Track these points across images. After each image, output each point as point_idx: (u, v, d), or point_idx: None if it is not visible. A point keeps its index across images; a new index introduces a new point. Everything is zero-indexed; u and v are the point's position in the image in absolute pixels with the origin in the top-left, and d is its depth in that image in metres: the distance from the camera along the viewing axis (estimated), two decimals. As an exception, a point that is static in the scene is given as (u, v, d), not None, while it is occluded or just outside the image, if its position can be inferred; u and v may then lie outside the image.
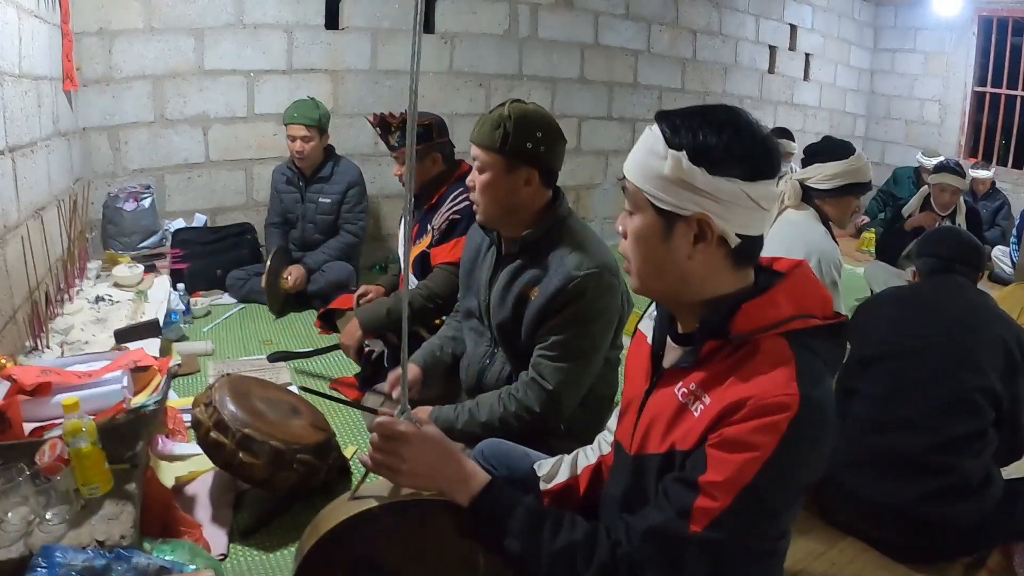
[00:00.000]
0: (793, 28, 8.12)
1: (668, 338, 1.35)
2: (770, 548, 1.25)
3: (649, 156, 1.20)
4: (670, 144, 1.17)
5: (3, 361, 2.16)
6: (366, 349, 3.15)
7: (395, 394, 2.48)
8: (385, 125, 3.37)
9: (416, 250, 3.45)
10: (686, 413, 1.20)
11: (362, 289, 3.81)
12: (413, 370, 2.55)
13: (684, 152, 1.15)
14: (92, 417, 1.74)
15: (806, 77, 8.45)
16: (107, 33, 4.50)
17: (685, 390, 1.22)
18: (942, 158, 6.49)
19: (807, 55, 8.38)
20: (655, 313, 1.44)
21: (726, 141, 1.15)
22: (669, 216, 1.19)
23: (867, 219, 7.23)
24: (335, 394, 2.85)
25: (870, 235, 6.77)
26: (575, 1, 6.33)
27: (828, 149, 2.83)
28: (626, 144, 6.90)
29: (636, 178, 1.22)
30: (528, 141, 2.10)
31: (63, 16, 3.61)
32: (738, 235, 1.18)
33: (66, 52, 3.69)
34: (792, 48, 8.18)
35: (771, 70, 8.03)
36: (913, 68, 8.94)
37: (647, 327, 1.45)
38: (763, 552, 1.23)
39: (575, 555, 1.22)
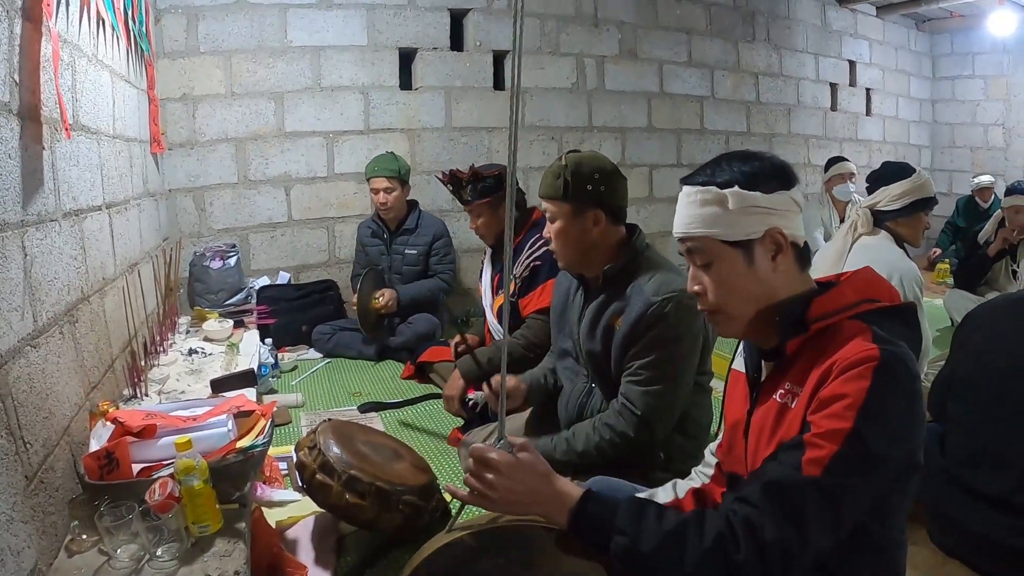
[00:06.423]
0: (852, 64, 8.08)
1: (762, 362, 1.42)
2: (890, 537, 1.30)
3: (703, 208, 1.34)
4: (721, 186, 1.32)
5: (106, 407, 2.15)
6: (469, 403, 3.12)
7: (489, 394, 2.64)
8: (456, 181, 3.52)
9: (499, 301, 3.55)
10: (787, 411, 1.29)
11: (457, 338, 3.79)
12: (515, 380, 2.64)
13: (736, 185, 1.31)
14: (202, 457, 1.72)
15: (868, 112, 8.36)
16: (190, 99, 4.69)
17: (782, 391, 1.31)
18: (989, 177, 7.08)
19: (868, 90, 8.31)
20: (743, 351, 1.53)
21: (758, 165, 1.34)
22: (746, 244, 1.32)
23: (939, 251, 7.33)
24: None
25: (944, 266, 6.89)
26: (639, 51, 6.37)
27: (890, 172, 3.00)
28: (698, 191, 6.81)
29: (700, 229, 1.34)
30: (588, 183, 2.25)
31: (149, 83, 3.74)
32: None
33: (152, 117, 3.81)
34: (852, 84, 8.12)
35: (833, 107, 7.98)
36: (974, 94, 8.77)
37: (739, 364, 1.54)
38: (884, 538, 1.28)
39: (686, 532, 1.23)
